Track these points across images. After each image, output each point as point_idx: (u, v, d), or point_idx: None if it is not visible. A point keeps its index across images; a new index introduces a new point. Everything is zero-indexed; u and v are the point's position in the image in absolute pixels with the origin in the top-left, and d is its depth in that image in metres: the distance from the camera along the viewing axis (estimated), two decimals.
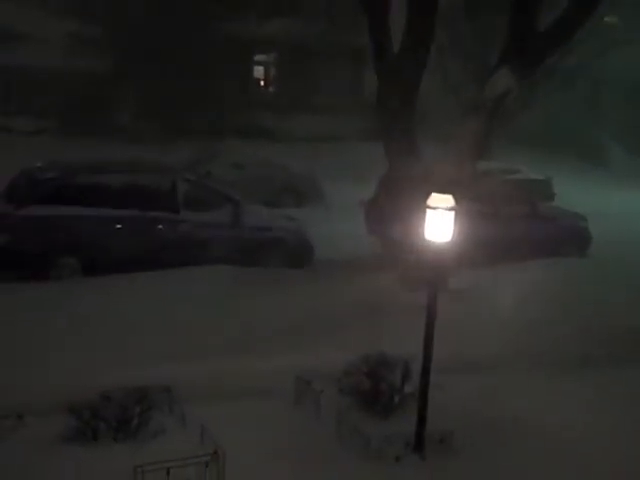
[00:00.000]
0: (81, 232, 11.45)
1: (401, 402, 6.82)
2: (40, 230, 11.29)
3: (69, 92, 27.19)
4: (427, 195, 6.13)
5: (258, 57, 33.80)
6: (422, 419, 6.24)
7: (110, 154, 15.90)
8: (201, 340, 8.46)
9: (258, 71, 34.57)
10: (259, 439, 6.38)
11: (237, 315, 9.40)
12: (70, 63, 26.73)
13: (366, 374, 6.83)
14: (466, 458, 6.22)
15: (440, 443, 6.30)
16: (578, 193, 20.99)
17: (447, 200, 6.04)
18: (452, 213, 6.05)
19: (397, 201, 10.99)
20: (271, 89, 34.57)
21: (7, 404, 6.47)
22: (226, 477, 5.71)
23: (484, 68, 21.65)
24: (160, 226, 11.93)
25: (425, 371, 6.21)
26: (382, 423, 6.62)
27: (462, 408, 6.92)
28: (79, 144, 20.75)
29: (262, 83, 34.73)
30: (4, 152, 18.21)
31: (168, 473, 5.54)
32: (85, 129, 24.94)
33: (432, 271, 6.28)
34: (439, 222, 6.06)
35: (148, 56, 26.33)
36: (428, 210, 6.10)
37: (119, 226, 11.73)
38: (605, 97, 30.36)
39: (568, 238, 14.72)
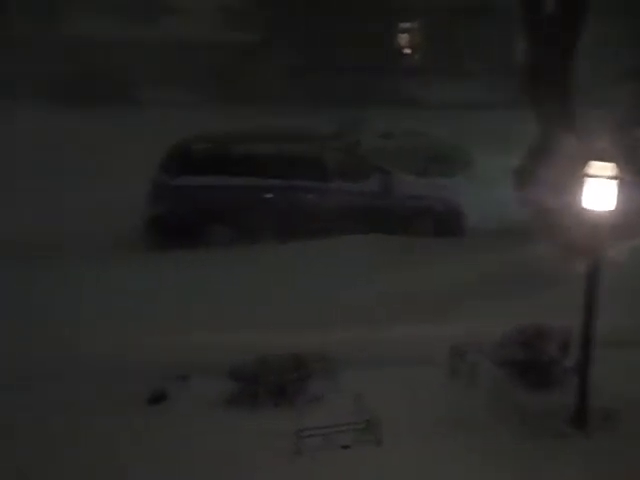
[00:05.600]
0: (232, 202, 11.74)
1: (559, 376, 6.67)
2: (193, 200, 11.67)
3: (224, 63, 27.79)
4: (584, 163, 5.92)
5: (403, 25, 33.46)
6: (583, 394, 6.04)
7: (265, 123, 16.09)
8: (354, 308, 8.52)
9: (402, 38, 34.25)
10: (413, 408, 6.39)
11: (392, 283, 9.41)
12: (223, 35, 27.30)
13: (522, 345, 6.72)
14: (635, 440, 5.93)
15: (604, 421, 6.06)
16: None
17: (609, 168, 5.82)
18: (614, 182, 5.83)
19: (550, 169, 10.68)
20: (416, 56, 34.18)
21: (173, 365, 6.76)
22: (383, 444, 5.78)
23: None
24: (310, 195, 12.07)
25: (586, 343, 6.01)
26: (539, 397, 6.49)
27: (627, 384, 6.66)
28: (237, 114, 21.12)
29: (406, 51, 34.40)
30: (164, 124, 18.77)
31: (326, 438, 5.66)
32: (241, 99, 25.53)
33: (593, 240, 6.07)
34: (599, 191, 5.85)
35: (298, 25, 26.57)
36: (587, 178, 5.90)
37: (269, 195, 11.93)
38: None
39: None
